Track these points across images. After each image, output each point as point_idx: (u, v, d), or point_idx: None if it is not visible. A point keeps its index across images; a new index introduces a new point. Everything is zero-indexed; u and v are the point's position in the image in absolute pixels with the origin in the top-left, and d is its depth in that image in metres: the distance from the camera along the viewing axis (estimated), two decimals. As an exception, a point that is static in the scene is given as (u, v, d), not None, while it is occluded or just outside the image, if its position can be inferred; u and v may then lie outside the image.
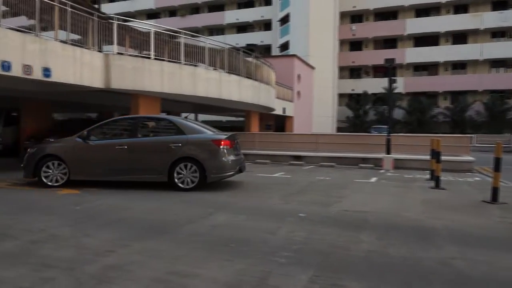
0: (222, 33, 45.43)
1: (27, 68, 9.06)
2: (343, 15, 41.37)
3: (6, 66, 8.59)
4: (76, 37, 11.70)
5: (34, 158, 8.20)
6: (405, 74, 40.10)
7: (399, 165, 13.60)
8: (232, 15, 45.55)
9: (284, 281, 3.30)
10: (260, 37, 44.09)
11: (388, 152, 14.01)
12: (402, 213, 6.16)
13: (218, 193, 7.87)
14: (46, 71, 9.53)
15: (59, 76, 9.88)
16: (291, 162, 15.19)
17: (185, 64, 13.06)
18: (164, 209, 6.24)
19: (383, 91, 35.06)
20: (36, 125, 15.92)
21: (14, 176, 9.72)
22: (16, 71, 8.84)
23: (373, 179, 10.64)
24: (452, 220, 5.63)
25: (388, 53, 33.99)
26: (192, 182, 7.93)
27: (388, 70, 15.06)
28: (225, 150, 8.12)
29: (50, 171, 8.14)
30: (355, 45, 42.05)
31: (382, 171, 12.95)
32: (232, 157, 8.27)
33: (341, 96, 41.46)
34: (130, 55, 12.24)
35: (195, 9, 47.76)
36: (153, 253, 3.98)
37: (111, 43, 12.14)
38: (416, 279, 3.39)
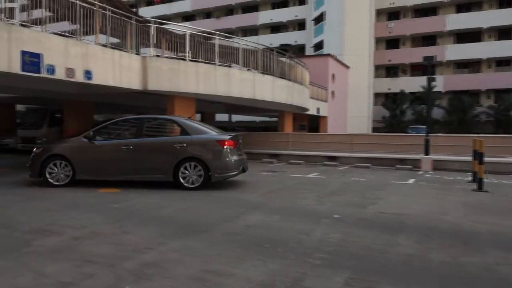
0: (256, 34, 45.53)
1: (70, 71, 9.45)
2: (380, 13, 40.44)
3: (51, 69, 9.00)
4: (115, 40, 12.09)
5: (40, 158, 8.31)
6: (445, 72, 38.69)
7: (438, 166, 13.15)
8: (266, 16, 45.57)
9: (319, 283, 3.27)
10: (294, 37, 43.85)
11: (427, 153, 13.56)
12: (442, 216, 5.95)
13: (251, 193, 7.90)
14: (88, 74, 9.90)
15: (99, 78, 10.25)
16: (325, 162, 15.01)
17: (219, 65, 13.20)
18: (198, 209, 6.34)
19: (421, 89, 33.98)
20: (78, 126, 16.57)
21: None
22: (60, 74, 9.24)
23: (411, 181, 10.34)
24: (496, 224, 5.39)
25: (427, 51, 32.88)
26: (197, 181, 8.07)
27: (427, 68, 14.57)
28: (229, 150, 8.22)
29: (55, 170, 8.24)
30: (392, 43, 40.99)
31: (420, 172, 12.56)
32: (235, 157, 8.37)
33: (377, 95, 40.56)
34: (166, 57, 12.50)
35: (229, 11, 48.17)
36: (189, 251, 4.05)
37: (148, 45, 12.46)
38: (457, 285, 3.27)
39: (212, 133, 8.55)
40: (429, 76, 14.29)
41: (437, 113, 35.01)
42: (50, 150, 8.47)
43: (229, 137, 8.36)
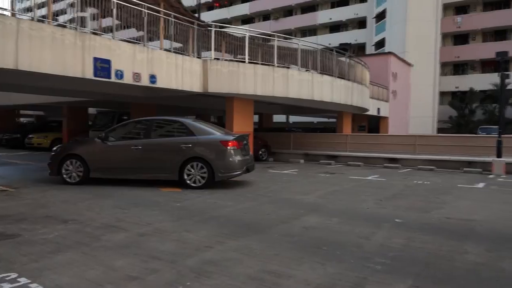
0: (315, 34, 45.05)
1: (137, 76, 9.98)
2: (446, 7, 38.22)
3: (119, 74, 9.57)
4: (177, 45, 12.57)
5: (58, 157, 8.81)
6: (520, 68, 35.75)
7: (512, 170, 12.18)
8: (325, 15, 44.94)
9: (380, 289, 3.16)
10: (354, 35, 42.82)
11: (499, 155, 12.60)
12: (517, 224, 5.50)
13: (308, 195, 7.83)
14: (152, 78, 10.40)
15: (163, 82, 10.72)
16: (386, 164, 14.49)
17: (277, 66, 13.24)
18: (256, 209, 6.39)
19: (493, 87, 31.64)
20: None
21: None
22: (127, 78, 9.79)
23: (481, 185, 9.67)
24: None
25: (500, 46, 30.53)
26: (201, 181, 8.28)
27: (499, 64, 13.57)
28: (232, 151, 8.36)
29: (70, 169, 8.72)
30: (460, 38, 38.55)
31: (491, 176, 11.70)
32: (239, 157, 8.49)
33: (442, 94, 38.34)
34: (225, 60, 12.77)
35: (288, 12, 48.14)
36: (247, 251, 4.10)
37: (208, 49, 12.82)
38: (535, 300, 3.00)
39: (217, 134, 8.78)
40: (503, 72, 13.28)
41: (511, 112, 32.41)
42: (67, 150, 8.98)
43: (232, 137, 8.57)
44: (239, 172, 8.57)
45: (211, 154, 8.32)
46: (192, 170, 8.34)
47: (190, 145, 8.37)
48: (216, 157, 8.29)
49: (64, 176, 8.75)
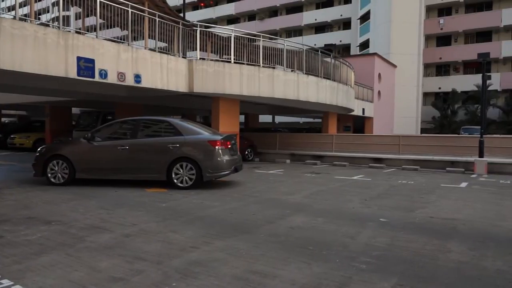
0: (300, 35, 45.25)
1: (121, 75, 9.88)
2: (430, 9, 38.82)
3: (103, 74, 9.46)
4: (162, 44, 12.49)
5: (43, 158, 8.66)
6: (501, 69, 36.47)
7: (493, 169, 12.44)
8: (310, 16, 45.17)
9: (365, 288, 3.20)
10: (339, 36, 43.16)
11: (481, 155, 12.87)
12: (498, 222, 5.63)
13: (294, 195, 7.86)
14: (137, 78, 10.31)
15: (148, 82, 10.64)
16: (371, 164, 14.65)
17: (263, 66, 13.27)
18: (242, 209, 6.39)
19: (475, 88, 32.28)
20: (128, 127, 17.22)
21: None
22: (112, 78, 9.69)
23: (463, 184, 9.85)
24: (560, 233, 5.01)
25: (482, 47, 31.24)
26: (188, 181, 8.26)
27: (481, 65, 13.84)
28: (220, 151, 8.36)
29: (55, 169, 8.58)
30: (443, 40, 39.20)
31: (473, 175, 11.94)
32: (227, 157, 8.49)
33: (426, 95, 38.92)
34: (211, 60, 12.74)
35: (273, 12, 48.23)
36: (234, 251, 4.09)
37: (194, 49, 12.77)
38: (515, 296, 3.07)
39: (205, 133, 8.74)
40: (484, 73, 13.56)
41: (493, 113, 33.11)
42: (52, 150, 8.83)
43: (220, 137, 8.54)
44: (228, 172, 8.55)
45: (199, 154, 8.27)
46: (180, 170, 8.29)
47: (178, 145, 8.31)
48: (204, 157, 8.26)
49: (49, 176, 8.62)
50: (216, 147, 8.33)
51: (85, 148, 8.66)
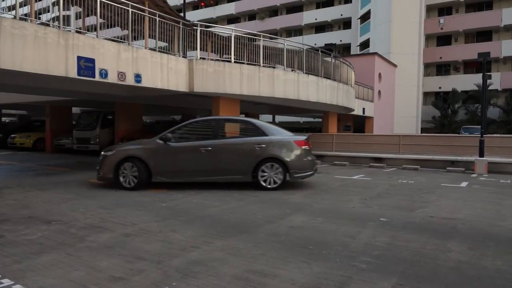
0: (300, 34, 45.25)
1: (121, 75, 9.87)
2: (430, 8, 38.80)
3: (104, 73, 9.45)
4: (163, 44, 12.49)
5: (114, 160, 8.13)
6: (501, 69, 36.46)
7: (494, 169, 12.44)
8: (310, 15, 45.17)
9: (366, 287, 3.20)
10: (339, 36, 43.17)
11: (481, 155, 12.86)
12: (498, 222, 5.63)
13: (295, 194, 7.86)
14: (137, 77, 10.30)
15: (148, 81, 10.63)
16: (371, 164, 14.65)
17: (263, 66, 13.26)
18: (242, 209, 6.39)
19: (476, 88, 32.26)
20: (128, 127, 17.28)
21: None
22: (112, 78, 9.68)
23: (463, 184, 9.85)
24: (560, 232, 5.01)
25: (482, 47, 31.18)
26: (275, 182, 8.15)
27: (481, 65, 13.83)
28: (305, 151, 8.35)
29: (126, 173, 8.09)
30: (443, 39, 39.18)
31: (474, 175, 11.93)
32: (309, 158, 8.47)
33: (426, 94, 38.91)
34: (211, 59, 12.74)
35: (273, 12, 48.23)
36: (234, 251, 4.10)
37: (194, 48, 12.76)
38: (515, 296, 3.07)
39: (287, 133, 8.66)
40: (485, 73, 13.55)
41: (493, 112, 33.10)
42: (125, 152, 8.25)
43: (304, 138, 8.51)
44: (311, 172, 8.53)
45: (286, 154, 8.18)
46: (266, 171, 8.19)
47: (264, 146, 8.17)
48: (291, 157, 8.20)
49: (122, 180, 8.08)
50: (302, 147, 8.31)
51: (163, 149, 8.17)
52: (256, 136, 8.34)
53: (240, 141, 8.41)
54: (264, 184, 8.14)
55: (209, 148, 8.15)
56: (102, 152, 8.52)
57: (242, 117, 9.24)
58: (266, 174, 8.16)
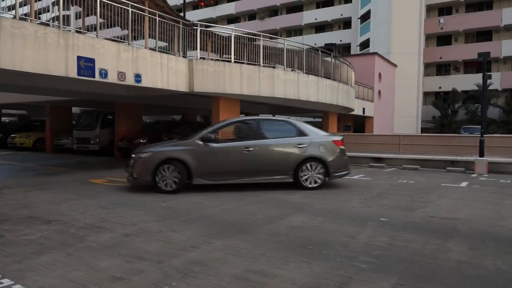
0: (300, 34, 45.25)
1: (121, 75, 9.86)
2: (430, 8, 38.79)
3: (104, 73, 9.45)
4: (162, 44, 12.48)
5: (153, 162, 7.71)
6: (502, 69, 36.46)
7: (494, 169, 12.42)
8: (310, 15, 45.18)
9: (365, 287, 3.20)
10: (339, 36, 43.17)
11: (482, 155, 12.86)
12: (498, 222, 5.62)
13: (294, 194, 7.85)
14: (137, 77, 10.30)
15: (148, 81, 10.63)
16: (371, 164, 14.65)
17: (263, 66, 13.25)
18: (242, 209, 6.39)
19: (476, 88, 32.26)
20: (128, 127, 17.26)
21: (110, 174, 10.65)
22: (112, 78, 9.67)
23: (464, 184, 9.84)
24: (560, 232, 5.00)
25: (482, 47, 31.18)
26: (315, 181, 8.28)
27: (482, 65, 13.83)
28: (342, 150, 8.61)
29: (165, 175, 7.73)
30: (443, 39, 39.18)
31: (474, 175, 11.93)
32: (345, 157, 8.71)
33: (426, 94, 38.92)
34: (211, 59, 12.73)
35: (273, 12, 48.23)
36: (234, 251, 4.09)
37: (194, 48, 12.76)
38: (515, 296, 3.07)
39: (323, 133, 8.92)
40: (485, 73, 13.55)
41: (493, 112, 33.11)
42: (165, 154, 7.87)
43: (341, 137, 8.73)
44: (347, 171, 8.70)
45: (326, 154, 8.33)
46: (307, 171, 8.26)
47: (305, 146, 8.28)
48: (331, 157, 8.36)
49: (161, 184, 7.74)
50: (341, 147, 8.51)
51: (204, 150, 7.94)
52: (297, 136, 8.46)
53: (282, 141, 8.44)
54: (305, 184, 8.22)
55: (251, 149, 8.08)
56: (133, 155, 8.12)
57: (281, 118, 9.41)
58: (307, 174, 8.25)
